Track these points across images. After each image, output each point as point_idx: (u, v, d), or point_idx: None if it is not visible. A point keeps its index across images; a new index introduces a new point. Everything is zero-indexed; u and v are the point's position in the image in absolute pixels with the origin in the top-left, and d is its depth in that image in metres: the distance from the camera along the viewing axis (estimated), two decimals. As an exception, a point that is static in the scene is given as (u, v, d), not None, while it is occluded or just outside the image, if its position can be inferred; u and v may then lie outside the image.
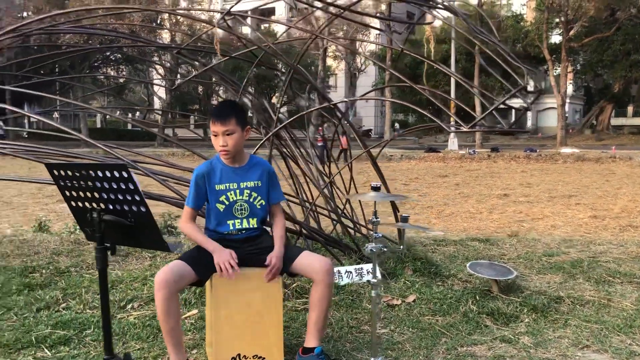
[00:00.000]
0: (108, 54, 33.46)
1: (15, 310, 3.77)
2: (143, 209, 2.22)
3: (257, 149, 4.66)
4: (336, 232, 5.11)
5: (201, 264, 2.74)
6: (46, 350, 3.13)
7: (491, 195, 12.29)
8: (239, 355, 2.77)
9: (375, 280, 2.63)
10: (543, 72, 43.35)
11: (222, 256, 2.69)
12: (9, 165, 19.86)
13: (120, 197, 2.24)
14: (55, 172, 2.38)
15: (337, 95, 49.53)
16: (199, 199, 2.88)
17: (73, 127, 40.39)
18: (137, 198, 2.20)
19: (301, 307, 3.71)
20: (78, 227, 2.76)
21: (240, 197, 2.88)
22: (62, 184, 2.39)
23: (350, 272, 4.13)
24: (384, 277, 4.25)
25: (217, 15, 4.46)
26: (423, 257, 4.58)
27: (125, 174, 2.15)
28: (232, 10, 4.26)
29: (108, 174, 2.19)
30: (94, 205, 2.32)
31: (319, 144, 22.48)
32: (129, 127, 45.58)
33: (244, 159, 2.95)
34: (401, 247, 2.67)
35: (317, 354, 2.82)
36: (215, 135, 2.81)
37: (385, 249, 2.60)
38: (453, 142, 28.90)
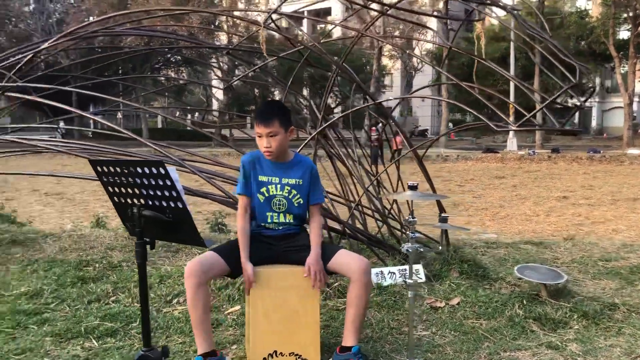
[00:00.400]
0: (168, 55, 34.44)
1: (68, 302, 3.93)
2: (180, 205, 2.27)
3: (301, 149, 4.68)
4: (381, 233, 5.06)
5: (233, 257, 2.78)
6: (94, 340, 3.24)
7: (550, 198, 11.91)
8: (275, 352, 2.78)
9: (411, 281, 2.58)
10: (610, 70, 41.55)
11: (244, 275, 2.77)
12: (73, 164, 20.77)
13: (158, 193, 2.29)
14: (99, 169, 2.46)
15: (393, 95, 49.11)
16: (247, 185, 2.91)
17: (135, 127, 41.82)
18: (174, 194, 2.25)
19: (342, 306, 3.69)
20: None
21: (280, 193, 2.90)
22: (105, 180, 2.47)
23: (394, 273, 4.08)
24: (429, 279, 4.17)
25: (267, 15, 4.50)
26: (470, 259, 4.46)
27: (162, 171, 2.20)
28: (279, 10, 4.28)
29: (146, 170, 2.25)
30: (134, 200, 2.39)
31: (372, 144, 22.38)
32: (189, 127, 46.73)
33: (289, 156, 2.97)
34: (439, 247, 2.61)
35: (354, 352, 2.80)
36: (260, 137, 2.84)
37: (421, 249, 2.55)
38: (512, 143, 28.07)
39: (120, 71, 35.81)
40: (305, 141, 4.66)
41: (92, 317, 3.56)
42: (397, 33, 38.45)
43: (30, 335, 3.32)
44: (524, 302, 3.70)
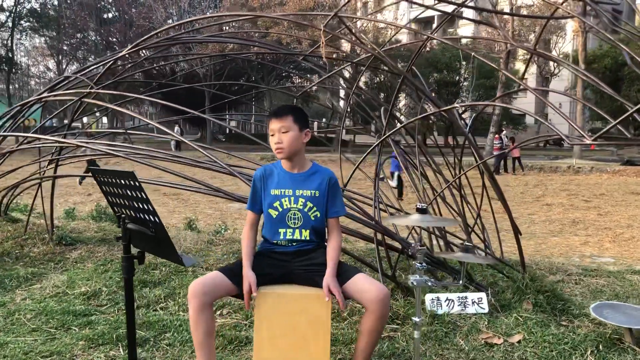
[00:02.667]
0: (296, 63, 35.34)
1: (120, 305, 3.98)
2: (157, 220, 2.12)
3: (367, 154, 4.41)
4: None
5: (240, 276, 2.59)
6: (121, 349, 3.22)
7: (692, 219, 10.38)
8: (279, 382, 2.54)
9: (418, 320, 2.21)
10: None
11: (244, 282, 2.55)
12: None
13: (140, 205, 2.17)
14: (98, 177, 2.40)
15: (526, 101, 46.47)
16: (255, 201, 2.76)
17: (265, 133, 43.53)
18: (150, 208, 2.11)
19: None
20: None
21: (295, 206, 2.67)
22: (104, 189, 2.40)
23: (452, 301, 3.65)
24: (496, 309, 3.69)
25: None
26: (549, 289, 3.90)
27: (135, 183, 2.07)
28: (339, 13, 4.05)
29: (124, 181, 2.13)
30: (123, 212, 2.29)
31: (495, 152, 21.24)
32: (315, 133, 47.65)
33: (305, 165, 2.74)
34: (460, 282, 2.20)
35: None
36: (272, 135, 2.65)
37: (430, 283, 2.17)
38: (659, 154, 25.13)
39: (252, 79, 37.52)
40: (370, 148, 4.38)
41: (131, 324, 3.55)
42: (531, 37, 36.31)
43: (68, 337, 3.38)
44: (600, 347, 3.12)
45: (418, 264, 2.15)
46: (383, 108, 4.59)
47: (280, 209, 2.68)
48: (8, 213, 6.93)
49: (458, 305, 3.64)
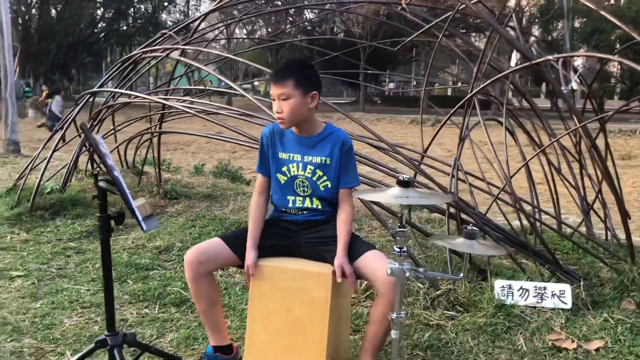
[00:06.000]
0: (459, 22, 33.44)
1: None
2: (116, 177, 1.95)
3: (452, 113, 3.91)
4: (537, 235, 3.86)
5: (243, 245, 2.34)
6: (155, 307, 3.18)
7: None
8: (271, 364, 2.29)
9: (394, 316, 1.78)
10: None
11: (245, 263, 2.32)
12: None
13: (108, 162, 2.01)
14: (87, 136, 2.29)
15: None
16: (264, 163, 2.46)
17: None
18: (109, 163, 1.94)
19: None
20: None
21: (302, 173, 2.35)
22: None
23: (527, 290, 3.07)
24: (586, 306, 3.04)
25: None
26: (665, 287, 3.12)
27: (84, 136, 1.91)
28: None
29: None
30: (100, 169, 2.16)
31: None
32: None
33: (316, 128, 2.37)
34: (461, 275, 1.71)
35: None
36: (273, 100, 2.32)
37: (409, 273, 1.72)
38: None
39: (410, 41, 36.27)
40: (455, 107, 3.87)
41: (180, 282, 3.52)
42: None
43: (117, 290, 3.43)
44: None
45: (396, 249, 1.72)
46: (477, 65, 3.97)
47: (289, 175, 2.38)
48: (136, 165, 7.38)
49: (534, 297, 3.06)
